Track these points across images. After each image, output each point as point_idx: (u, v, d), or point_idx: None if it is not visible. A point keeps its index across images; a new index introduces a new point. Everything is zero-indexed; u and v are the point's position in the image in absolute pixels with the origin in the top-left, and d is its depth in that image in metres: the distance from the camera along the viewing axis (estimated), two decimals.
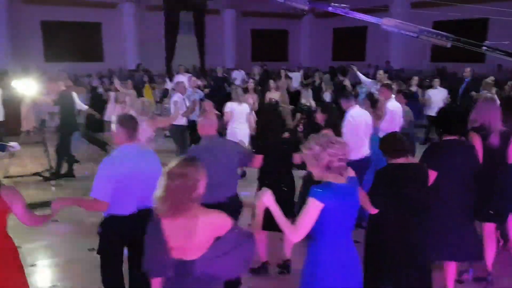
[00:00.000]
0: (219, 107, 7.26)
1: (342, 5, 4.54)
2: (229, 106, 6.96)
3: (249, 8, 18.45)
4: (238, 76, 13.81)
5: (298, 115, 9.27)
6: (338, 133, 4.18)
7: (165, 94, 11.06)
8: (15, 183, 6.22)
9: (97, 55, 16.93)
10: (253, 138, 6.74)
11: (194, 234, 2.13)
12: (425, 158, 3.25)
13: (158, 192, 2.13)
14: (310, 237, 2.35)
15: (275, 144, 3.90)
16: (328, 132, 4.01)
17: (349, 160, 2.35)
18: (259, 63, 15.58)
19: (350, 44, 19.78)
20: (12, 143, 5.05)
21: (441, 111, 3.59)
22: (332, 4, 4.57)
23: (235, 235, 2.20)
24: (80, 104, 7.68)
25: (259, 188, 3.83)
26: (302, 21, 22.02)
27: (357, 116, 4.78)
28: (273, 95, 8.95)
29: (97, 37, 17.08)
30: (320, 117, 4.35)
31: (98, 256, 3.18)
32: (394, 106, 5.65)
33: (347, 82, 10.57)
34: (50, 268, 4.41)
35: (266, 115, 4.24)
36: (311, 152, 2.32)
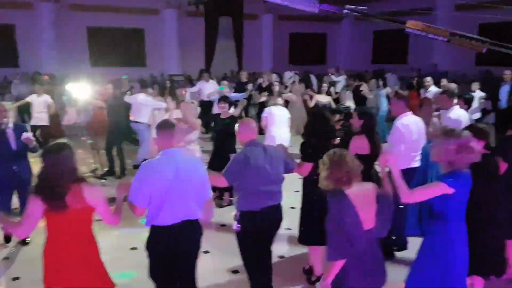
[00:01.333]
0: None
1: (359, 7, 4.35)
2: (267, 110, 6.91)
3: (286, 12, 18.43)
4: (289, 76, 13.86)
5: (337, 116, 9.16)
6: (372, 140, 4.03)
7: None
8: None
9: (140, 61, 17.42)
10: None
11: (373, 203, 2.52)
12: (496, 151, 3.44)
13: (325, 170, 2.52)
14: (436, 218, 2.77)
15: (325, 150, 3.57)
16: (361, 137, 3.94)
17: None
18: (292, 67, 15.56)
19: (391, 46, 19.38)
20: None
21: (508, 108, 3.77)
22: (347, 6, 4.38)
23: (383, 199, 2.59)
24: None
25: (305, 197, 3.77)
26: (342, 24, 21.81)
27: (409, 124, 4.31)
28: (321, 98, 8.91)
29: (140, 42, 17.60)
30: (356, 122, 4.10)
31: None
32: (458, 114, 5.11)
33: (364, 87, 10.25)
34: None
35: (315, 120, 3.97)
36: (448, 145, 2.67)
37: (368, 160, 3.71)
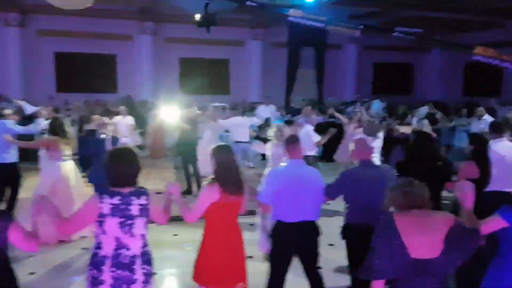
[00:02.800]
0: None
1: (413, 30, 4.28)
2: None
3: (371, 43, 18.29)
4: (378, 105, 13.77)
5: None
6: (483, 166, 3.99)
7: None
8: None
9: (225, 89, 18.24)
10: None
11: (432, 230, 2.35)
12: None
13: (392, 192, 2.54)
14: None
15: (428, 173, 3.76)
16: (471, 163, 4.00)
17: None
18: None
19: (484, 78, 18.23)
20: None
21: None
22: (398, 28, 4.34)
23: (461, 230, 2.37)
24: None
25: None
26: (430, 54, 21.04)
27: (503, 149, 4.60)
28: (403, 129, 8.76)
29: (225, 72, 18.47)
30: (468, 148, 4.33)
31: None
32: None
33: (438, 115, 10.00)
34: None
35: (419, 143, 4.19)
36: None
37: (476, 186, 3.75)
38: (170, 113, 8.27)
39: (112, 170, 2.79)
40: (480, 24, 15.99)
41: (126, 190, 2.77)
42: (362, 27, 4.59)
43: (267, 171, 4.72)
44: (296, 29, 15.83)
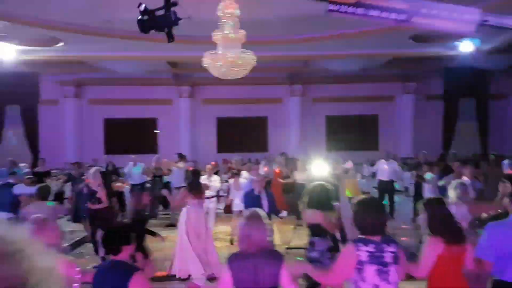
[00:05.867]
0: None
1: None
2: None
3: None
4: None
5: None
6: None
7: None
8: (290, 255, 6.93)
9: (373, 144, 17.85)
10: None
11: None
12: None
13: None
14: None
15: None
16: None
17: None
18: None
19: None
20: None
21: None
22: None
23: None
24: None
25: None
26: None
27: None
28: None
29: (374, 127, 18.23)
30: None
31: None
32: None
33: None
34: None
35: None
36: None
37: None
38: (319, 167, 8.36)
39: (362, 219, 2.95)
40: None
41: (377, 238, 2.89)
42: None
43: None
44: (453, 80, 15.04)
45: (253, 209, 3.07)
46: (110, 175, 10.34)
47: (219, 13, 7.61)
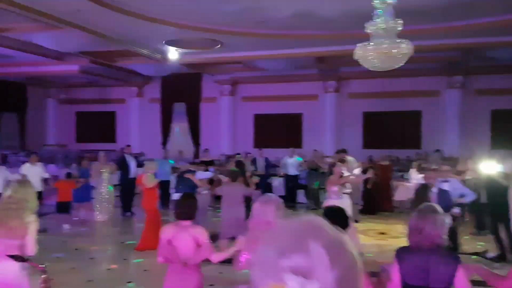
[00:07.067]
0: None
1: None
2: None
3: None
4: None
5: None
6: None
7: None
8: None
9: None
10: None
11: None
12: None
13: None
14: None
15: None
16: None
17: None
18: None
19: None
20: None
21: None
22: None
23: None
24: None
25: None
26: None
27: None
28: None
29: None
30: None
31: None
32: None
33: None
34: None
35: None
36: None
37: None
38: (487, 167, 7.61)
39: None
40: None
41: None
42: None
43: None
44: None
45: (428, 203, 2.91)
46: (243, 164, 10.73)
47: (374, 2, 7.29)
